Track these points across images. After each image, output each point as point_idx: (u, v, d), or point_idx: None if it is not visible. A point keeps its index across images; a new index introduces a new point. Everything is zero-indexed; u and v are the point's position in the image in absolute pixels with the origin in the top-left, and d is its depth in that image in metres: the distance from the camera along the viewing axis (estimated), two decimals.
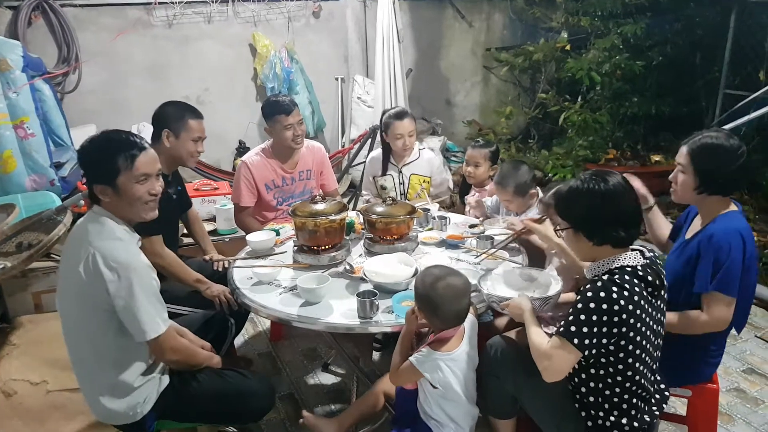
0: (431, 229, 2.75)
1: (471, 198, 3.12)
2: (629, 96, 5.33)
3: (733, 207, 2.02)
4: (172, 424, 1.99)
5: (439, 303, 1.74)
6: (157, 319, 1.75)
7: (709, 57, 5.37)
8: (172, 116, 2.51)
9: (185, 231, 3.02)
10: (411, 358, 1.77)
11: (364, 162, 3.99)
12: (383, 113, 3.32)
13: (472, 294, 1.90)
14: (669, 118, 5.28)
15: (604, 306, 1.57)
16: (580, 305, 1.60)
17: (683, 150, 2.01)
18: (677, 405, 2.58)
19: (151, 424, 1.88)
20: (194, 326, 2.17)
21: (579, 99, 5.74)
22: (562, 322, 1.64)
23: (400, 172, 3.31)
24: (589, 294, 1.60)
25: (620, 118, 5.34)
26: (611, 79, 5.28)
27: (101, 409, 1.82)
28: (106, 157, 1.77)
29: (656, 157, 5.44)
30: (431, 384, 1.77)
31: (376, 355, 2.99)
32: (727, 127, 4.76)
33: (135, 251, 1.77)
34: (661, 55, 5.27)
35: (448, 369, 1.75)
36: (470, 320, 1.86)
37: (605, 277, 1.63)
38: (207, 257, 2.70)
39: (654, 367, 1.76)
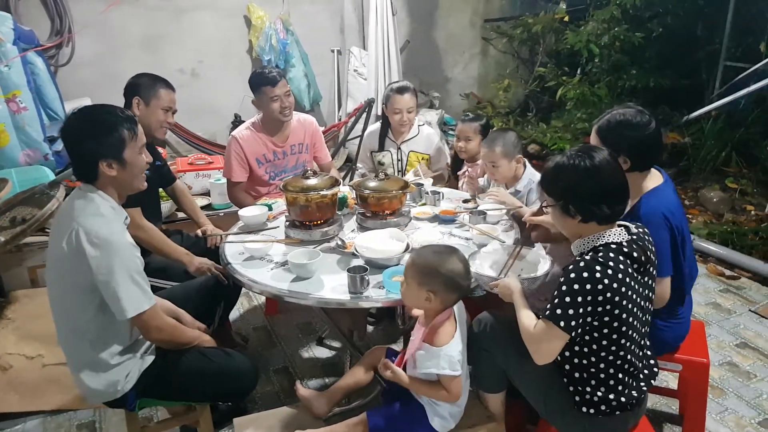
0: (424, 204, 2.75)
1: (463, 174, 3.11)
2: (628, 68, 5.27)
3: (656, 180, 2.03)
4: (155, 402, 2.00)
5: (453, 279, 1.70)
6: (138, 297, 1.73)
7: (710, 28, 5.29)
8: (144, 84, 2.51)
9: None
10: (449, 372, 1.68)
11: (360, 136, 3.97)
12: (387, 86, 3.30)
13: None
14: (668, 91, 5.23)
15: (588, 286, 1.56)
16: (564, 287, 1.60)
17: (593, 130, 2.03)
18: (669, 379, 2.61)
19: (132, 402, 1.90)
20: (183, 299, 2.18)
21: (578, 71, 5.68)
22: (548, 305, 1.63)
23: (399, 148, 3.29)
24: (573, 275, 1.59)
25: (619, 91, 5.29)
26: (610, 51, 5.21)
27: (82, 387, 1.84)
28: (111, 131, 1.74)
29: None
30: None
31: (369, 329, 3.02)
32: (726, 99, 4.74)
33: (118, 229, 1.75)
34: (661, 26, 5.19)
35: (459, 353, 1.73)
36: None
37: (588, 256, 1.62)
38: (200, 231, 2.70)
39: (642, 342, 1.77)
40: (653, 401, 2.51)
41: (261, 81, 2.90)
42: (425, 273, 1.72)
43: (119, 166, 1.77)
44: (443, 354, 1.70)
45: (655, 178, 2.04)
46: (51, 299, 1.83)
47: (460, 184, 3.18)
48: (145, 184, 1.91)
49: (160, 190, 2.85)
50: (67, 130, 1.77)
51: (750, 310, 3.25)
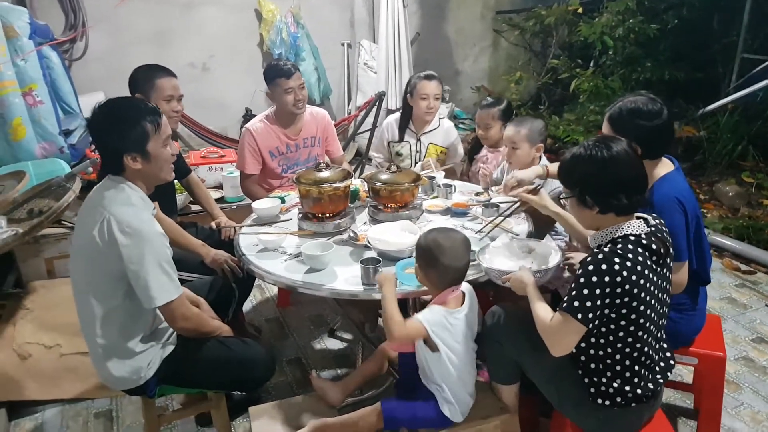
0: (436, 197, 2.74)
1: (478, 167, 3.10)
2: (642, 61, 5.22)
3: (667, 168, 2.02)
4: (174, 389, 2.02)
5: (440, 255, 1.73)
6: (167, 287, 1.75)
7: (726, 20, 5.22)
8: (141, 79, 2.48)
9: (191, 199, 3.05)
10: (419, 316, 1.74)
11: (370, 129, 3.97)
12: (414, 75, 3.32)
13: (473, 262, 1.89)
14: (684, 84, 5.17)
15: (606, 278, 1.55)
16: (582, 279, 1.58)
17: (605, 118, 2.04)
18: (684, 373, 2.60)
19: (153, 389, 1.91)
20: (199, 293, 2.18)
21: (591, 63, 5.64)
22: (565, 297, 1.62)
23: (419, 140, 3.29)
24: (591, 267, 1.58)
25: (633, 84, 5.24)
26: (624, 43, 5.17)
27: (106, 374, 1.85)
28: (134, 125, 1.75)
29: None
30: (429, 347, 1.76)
31: (381, 320, 3.02)
32: (743, 92, 4.68)
33: (148, 218, 1.77)
34: (676, 18, 5.14)
35: (451, 326, 1.74)
36: (468, 287, 1.87)
37: (607, 248, 1.61)
38: (214, 224, 2.72)
39: (659, 335, 1.75)
40: (668, 395, 2.49)
41: (276, 73, 2.90)
42: (422, 251, 1.79)
43: (143, 159, 1.78)
44: (435, 307, 1.75)
45: (665, 166, 2.04)
46: (76, 288, 1.83)
47: (476, 167, 3.16)
48: (173, 174, 1.92)
49: (175, 181, 2.86)
50: (92, 124, 1.79)
51: (766, 305, 3.22)
